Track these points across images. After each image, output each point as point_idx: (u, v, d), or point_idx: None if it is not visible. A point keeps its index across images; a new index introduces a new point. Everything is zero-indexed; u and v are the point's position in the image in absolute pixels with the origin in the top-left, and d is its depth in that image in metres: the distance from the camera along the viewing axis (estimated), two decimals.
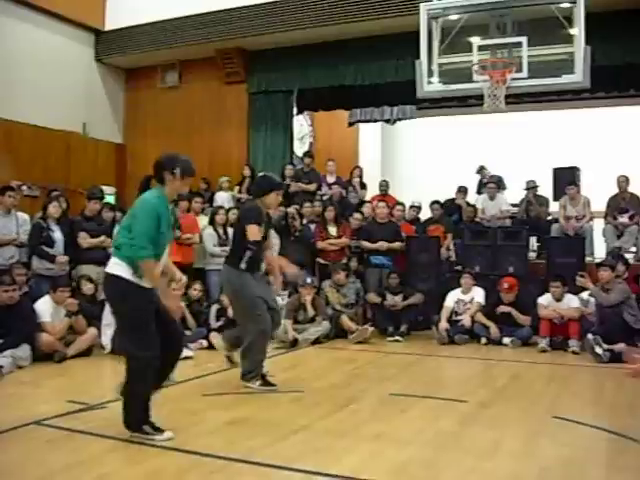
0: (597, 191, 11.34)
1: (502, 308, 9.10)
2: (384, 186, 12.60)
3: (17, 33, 11.97)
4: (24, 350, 7.12)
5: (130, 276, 4.52)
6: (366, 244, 10.45)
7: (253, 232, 5.99)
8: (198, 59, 13.55)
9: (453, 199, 12.37)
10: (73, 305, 7.80)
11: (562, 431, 4.94)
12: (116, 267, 4.61)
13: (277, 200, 6.25)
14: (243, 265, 6.04)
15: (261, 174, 7.25)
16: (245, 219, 6.16)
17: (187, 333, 8.30)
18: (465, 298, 9.53)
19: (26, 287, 8.41)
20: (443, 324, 9.30)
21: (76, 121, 13.17)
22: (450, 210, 12.02)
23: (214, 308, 8.91)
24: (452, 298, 9.56)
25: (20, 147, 11.75)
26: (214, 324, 8.76)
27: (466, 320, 9.28)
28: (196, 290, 8.97)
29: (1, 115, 11.48)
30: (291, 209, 10.85)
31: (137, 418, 4.48)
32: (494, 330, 9.10)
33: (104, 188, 11.10)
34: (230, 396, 5.89)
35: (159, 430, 4.48)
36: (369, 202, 11.70)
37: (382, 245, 10.30)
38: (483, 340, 9.17)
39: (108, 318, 7.99)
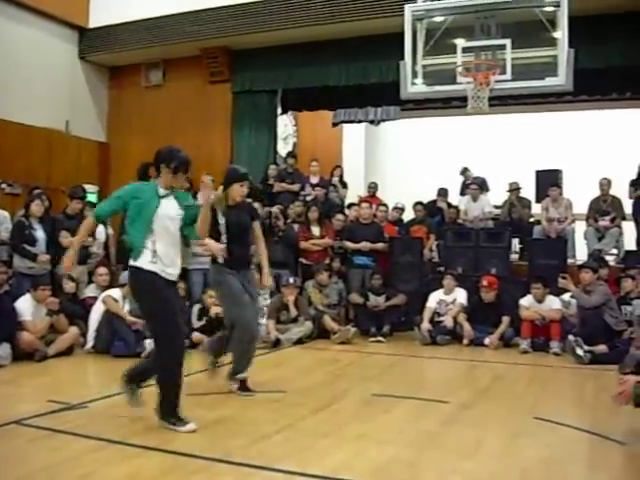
0: (579, 193, 11.41)
1: None
2: (373, 188, 12.63)
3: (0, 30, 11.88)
4: (4, 349, 7.08)
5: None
6: (349, 244, 10.46)
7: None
8: (182, 58, 13.49)
9: (435, 201, 12.42)
10: (54, 304, 7.76)
11: (543, 432, 4.96)
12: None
13: (240, 191, 6.07)
14: (220, 260, 6.00)
15: (228, 167, 7.14)
16: None
17: None
18: (447, 299, 9.56)
19: (7, 285, 8.35)
20: (425, 325, 9.32)
21: (59, 119, 13.08)
22: (432, 212, 12.06)
23: (196, 308, 8.89)
24: (434, 299, 9.58)
25: (1, 144, 11.64)
26: (196, 324, 8.73)
27: (448, 321, 9.31)
28: (179, 289, 8.91)
29: None
30: (274, 209, 10.84)
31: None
32: (467, 330, 9.14)
33: (87, 187, 11.03)
34: (212, 396, 5.87)
35: (183, 421, 4.68)
36: (355, 204, 11.71)
37: (365, 245, 10.31)
38: (465, 341, 9.19)
39: (95, 317, 8.01)
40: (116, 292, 8.17)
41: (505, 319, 9.11)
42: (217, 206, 5.98)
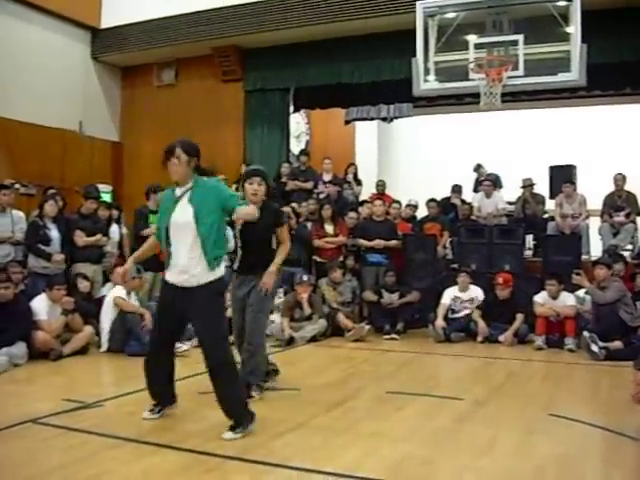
0: (593, 189, 11.34)
1: None
2: (381, 185, 12.62)
3: (13, 31, 11.95)
4: (20, 348, 7.12)
5: None
6: (363, 242, 10.46)
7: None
8: (195, 57, 13.54)
9: (449, 197, 12.38)
10: (69, 303, 7.79)
11: (558, 429, 4.94)
12: None
13: (250, 190, 5.71)
14: (235, 265, 5.94)
15: None
16: None
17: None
18: (462, 296, 9.53)
19: (22, 285, 8.40)
20: (439, 322, 9.30)
21: (72, 119, 13.15)
22: (446, 208, 12.04)
23: None
24: (449, 295, 9.56)
25: (16, 145, 11.73)
26: None
27: (476, 315, 9.32)
28: None
29: None
30: (286, 208, 10.84)
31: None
32: (482, 327, 9.13)
33: (100, 186, 11.10)
34: None
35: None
36: (368, 202, 11.69)
37: (378, 243, 10.31)
38: (479, 338, 9.17)
39: (105, 318, 8.03)
40: (120, 290, 8.15)
41: (519, 316, 9.08)
42: None
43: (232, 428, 4.55)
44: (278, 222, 5.88)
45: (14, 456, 4.17)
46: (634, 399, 4.64)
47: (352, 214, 11.02)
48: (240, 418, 4.60)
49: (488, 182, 11.84)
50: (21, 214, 9.27)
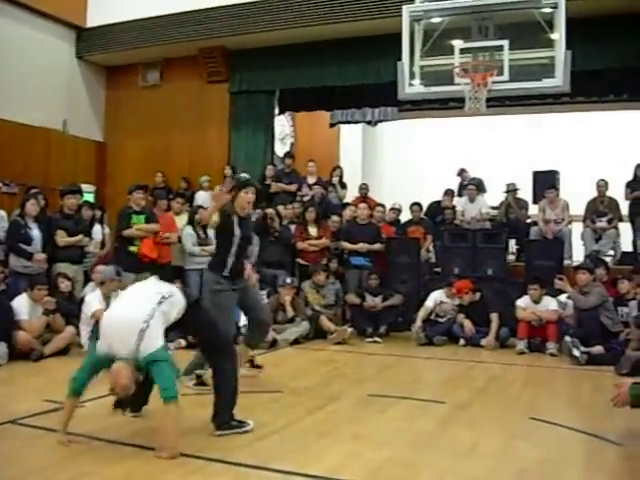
0: (576, 195, 11.42)
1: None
2: (364, 189, 12.63)
3: None
4: (0, 348, 7.07)
5: None
6: (346, 245, 10.47)
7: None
8: (180, 58, 13.51)
9: (438, 201, 12.38)
10: (50, 303, 7.75)
11: (539, 432, 4.96)
12: None
13: (246, 199, 5.92)
14: (226, 272, 5.98)
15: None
16: None
17: None
18: (447, 301, 9.54)
19: (3, 285, 8.34)
20: (417, 323, 9.33)
21: (56, 118, 13.08)
22: (436, 212, 12.05)
23: None
24: (434, 299, 9.57)
25: None
26: None
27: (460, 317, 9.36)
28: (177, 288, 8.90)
29: None
30: (270, 210, 10.83)
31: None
32: (468, 327, 9.16)
33: (83, 186, 11.05)
34: (209, 395, 5.83)
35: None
36: (352, 205, 11.70)
37: (362, 246, 10.32)
38: (461, 341, 9.21)
39: (85, 318, 7.96)
40: (97, 295, 8.02)
41: (493, 316, 9.13)
42: (234, 215, 5.94)
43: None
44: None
45: None
46: (614, 403, 4.67)
47: (335, 218, 11.03)
48: None
49: (472, 186, 11.88)
50: (3, 213, 9.21)
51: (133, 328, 4.17)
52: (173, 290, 4.61)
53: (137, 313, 4.26)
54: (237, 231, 5.92)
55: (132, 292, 4.70)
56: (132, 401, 4.51)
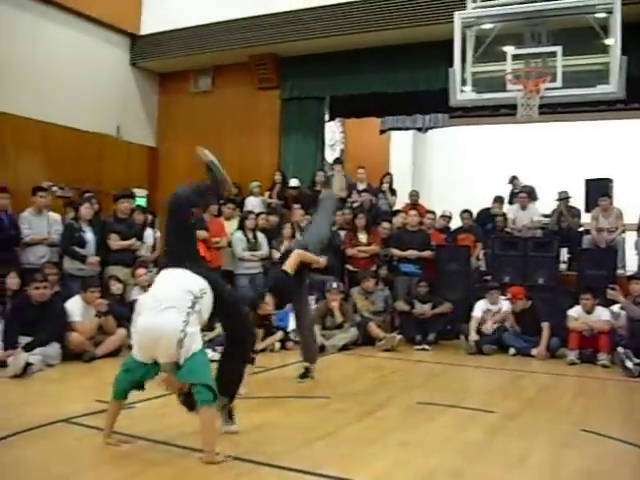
0: (630, 203, 11.22)
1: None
2: (414, 196, 12.58)
3: (54, 36, 12.13)
4: (54, 349, 7.21)
5: None
6: (396, 251, 10.44)
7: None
8: (231, 64, 13.62)
9: (488, 208, 12.28)
10: (103, 305, 7.88)
11: (590, 444, 4.88)
12: None
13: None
14: None
15: None
16: None
17: (211, 334, 8.36)
18: (493, 308, 9.48)
19: (57, 287, 8.49)
20: (473, 335, 9.25)
21: (110, 124, 13.30)
22: (485, 219, 11.95)
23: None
24: (480, 308, 9.50)
25: (54, 148, 11.89)
26: None
27: (488, 325, 9.26)
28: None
29: (37, 116, 11.62)
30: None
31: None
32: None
33: (136, 191, 11.21)
34: (257, 400, 5.90)
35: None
36: (402, 212, 11.66)
37: (412, 254, 10.29)
38: (512, 351, 9.11)
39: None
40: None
41: (545, 325, 9.01)
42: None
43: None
44: None
45: (47, 454, 4.22)
46: None
47: (385, 224, 11.00)
48: None
49: (523, 194, 11.75)
50: (57, 216, 9.39)
51: (171, 339, 4.14)
52: (203, 285, 4.47)
53: (172, 322, 4.19)
54: None
55: (161, 291, 4.49)
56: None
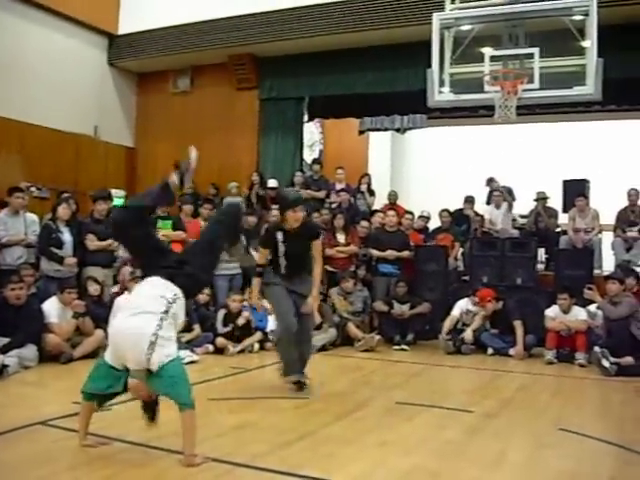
0: (607, 204, 11.31)
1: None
2: (393, 196, 12.61)
3: (31, 35, 12.06)
4: (30, 350, 7.15)
5: None
6: (374, 252, 10.45)
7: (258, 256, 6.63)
8: (210, 65, 13.62)
9: (461, 209, 12.36)
10: (80, 306, 7.83)
11: (568, 443, 4.91)
12: None
13: (295, 217, 6.16)
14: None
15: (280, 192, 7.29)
16: None
17: (190, 336, 8.34)
18: (474, 309, 9.51)
19: (34, 288, 8.43)
20: (443, 335, 9.30)
21: (87, 124, 13.23)
22: (459, 219, 12.02)
23: (221, 313, 8.91)
24: (460, 307, 9.54)
25: (31, 148, 11.81)
26: (221, 329, 8.76)
27: (467, 335, 9.26)
28: (203, 294, 8.98)
29: (13, 116, 11.55)
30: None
31: None
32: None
33: (113, 191, 11.12)
34: (236, 401, 5.89)
35: None
36: (379, 211, 11.69)
37: (390, 254, 10.29)
38: (489, 351, 9.15)
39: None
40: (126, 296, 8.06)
41: (517, 323, 9.08)
42: (277, 231, 6.27)
43: None
44: (314, 236, 6.38)
45: (24, 457, 4.18)
46: None
47: (364, 223, 11.02)
48: None
49: (498, 193, 11.81)
50: (34, 217, 9.30)
51: (142, 342, 4.07)
52: (176, 291, 4.40)
53: (145, 325, 4.13)
54: (282, 247, 6.23)
55: (137, 298, 4.48)
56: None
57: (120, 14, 13.79)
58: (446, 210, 11.70)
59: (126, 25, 13.69)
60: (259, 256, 6.54)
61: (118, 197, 12.32)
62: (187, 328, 8.46)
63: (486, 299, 9.30)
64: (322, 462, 4.24)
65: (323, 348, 9.03)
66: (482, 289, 9.53)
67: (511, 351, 8.97)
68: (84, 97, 13.23)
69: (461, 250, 11.29)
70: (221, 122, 13.63)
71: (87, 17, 13.04)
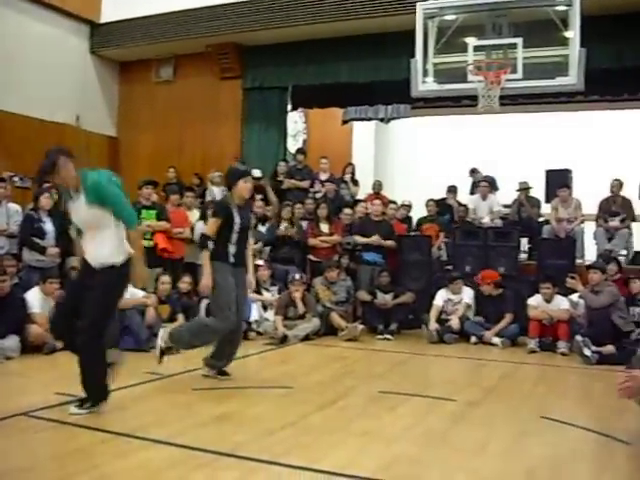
0: (589, 194, 11.37)
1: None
2: (378, 185, 12.63)
3: (12, 23, 11.93)
4: (13, 341, 7.11)
5: None
6: (359, 238, 10.45)
7: (208, 226, 6.34)
8: (193, 54, 13.52)
9: (445, 198, 12.40)
10: (62, 297, 7.77)
11: (550, 431, 4.95)
12: None
13: (246, 187, 6.14)
14: (231, 260, 6.14)
15: (229, 167, 7.10)
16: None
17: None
18: (454, 298, 9.55)
19: (16, 278, 8.38)
20: (433, 324, 9.32)
21: (69, 113, 13.12)
22: (442, 209, 12.05)
23: (204, 303, 8.89)
24: (441, 297, 9.58)
25: (12, 138, 11.70)
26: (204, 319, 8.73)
27: (454, 322, 9.30)
28: (185, 283, 8.96)
29: None
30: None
31: None
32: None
33: None
34: (219, 391, 5.89)
35: None
36: (363, 201, 11.70)
37: (375, 239, 10.29)
38: (473, 339, 9.20)
39: None
40: None
41: (507, 316, 9.16)
42: (232, 204, 6.08)
43: (80, 403, 4.80)
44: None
45: (6, 448, 4.16)
46: (620, 393, 4.61)
47: (348, 210, 11.03)
48: (92, 394, 4.80)
49: (485, 183, 11.84)
50: (17, 207, 9.25)
51: None
52: None
53: None
54: (237, 219, 6.07)
55: None
56: None
57: (102, 2, 13.66)
58: (432, 200, 11.73)
59: (108, 13, 13.56)
60: (209, 227, 6.21)
61: None
62: (171, 318, 8.46)
63: (487, 280, 9.35)
64: (305, 451, 4.25)
65: (306, 338, 9.04)
66: (485, 270, 9.70)
67: (494, 340, 9.02)
68: (66, 86, 13.11)
69: (445, 240, 11.32)
70: (204, 111, 13.57)
71: (69, 5, 12.91)
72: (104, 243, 4.86)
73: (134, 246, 4.96)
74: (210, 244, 6.14)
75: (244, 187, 6.10)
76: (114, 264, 4.83)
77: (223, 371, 6.32)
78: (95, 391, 4.87)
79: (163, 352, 6.16)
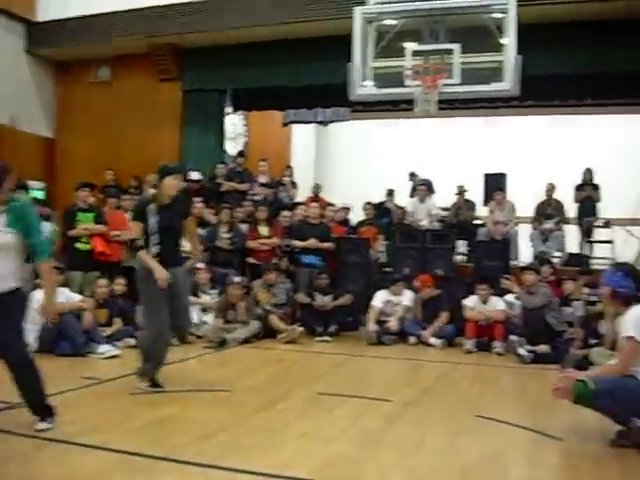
0: (525, 196, 11.60)
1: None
2: (316, 188, 12.68)
3: None
4: None
5: None
6: (296, 242, 10.47)
7: (132, 229, 6.22)
8: (131, 55, 13.38)
9: (384, 202, 12.52)
10: None
11: (485, 430, 5.05)
12: None
13: (173, 184, 5.99)
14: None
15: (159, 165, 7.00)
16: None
17: (111, 330, 8.22)
18: (394, 299, 9.64)
19: None
20: (372, 326, 9.39)
21: (3, 113, 12.84)
22: (381, 212, 12.15)
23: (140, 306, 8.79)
24: (380, 299, 9.65)
25: None
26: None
27: (393, 324, 9.38)
28: (119, 285, 8.84)
29: None
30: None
31: None
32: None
33: (32, 183, 10.86)
34: (156, 395, 5.84)
35: None
36: (302, 204, 11.74)
37: (312, 243, 10.33)
38: (412, 340, 9.29)
39: (34, 317, 7.81)
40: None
41: (442, 314, 9.30)
42: (149, 205, 5.97)
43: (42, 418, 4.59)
44: (188, 213, 6.32)
45: None
46: (555, 394, 4.75)
47: (286, 213, 11.06)
48: (44, 410, 4.62)
49: (423, 186, 11.98)
50: None
51: None
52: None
53: None
54: (152, 219, 5.90)
55: None
56: None
57: (38, 1, 13.41)
58: (369, 203, 11.82)
59: (45, 12, 13.33)
60: (133, 230, 6.13)
61: (37, 189, 12.05)
62: (108, 322, 8.36)
63: (426, 284, 9.48)
64: (243, 453, 4.25)
65: (246, 341, 9.00)
66: (422, 275, 9.82)
67: (431, 340, 9.14)
68: (0, 86, 12.83)
69: (384, 242, 11.41)
70: (143, 113, 13.42)
71: (3, 3, 12.64)
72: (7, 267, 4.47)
73: (45, 278, 4.65)
74: (140, 243, 6.00)
75: (170, 184, 5.96)
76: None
77: (156, 383, 6.12)
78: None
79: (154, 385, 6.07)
